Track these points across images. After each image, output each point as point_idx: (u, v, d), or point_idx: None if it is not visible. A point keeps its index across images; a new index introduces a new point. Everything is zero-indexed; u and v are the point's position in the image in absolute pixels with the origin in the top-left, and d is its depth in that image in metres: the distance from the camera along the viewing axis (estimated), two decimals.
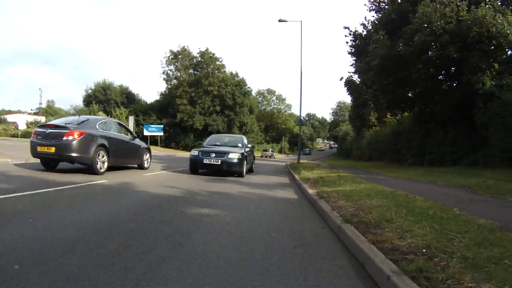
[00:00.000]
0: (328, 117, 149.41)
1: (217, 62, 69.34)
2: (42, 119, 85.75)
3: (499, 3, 19.66)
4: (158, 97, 78.76)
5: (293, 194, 10.03)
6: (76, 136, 10.44)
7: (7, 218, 4.85)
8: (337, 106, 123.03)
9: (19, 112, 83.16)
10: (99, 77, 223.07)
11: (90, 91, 76.80)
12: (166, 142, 65.97)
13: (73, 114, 67.34)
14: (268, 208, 7.30)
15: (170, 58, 70.16)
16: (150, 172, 13.67)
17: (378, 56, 21.68)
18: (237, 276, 3.17)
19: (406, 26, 20.52)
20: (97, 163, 10.88)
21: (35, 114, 79.76)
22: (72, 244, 3.75)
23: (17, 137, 53.77)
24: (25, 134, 59.63)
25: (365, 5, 28.46)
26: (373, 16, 28.30)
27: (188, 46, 70.90)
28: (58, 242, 3.80)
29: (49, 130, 10.83)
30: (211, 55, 68.71)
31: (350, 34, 28.91)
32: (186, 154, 42.84)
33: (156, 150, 47.58)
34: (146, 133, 60.77)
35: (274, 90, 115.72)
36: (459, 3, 19.29)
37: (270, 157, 63.00)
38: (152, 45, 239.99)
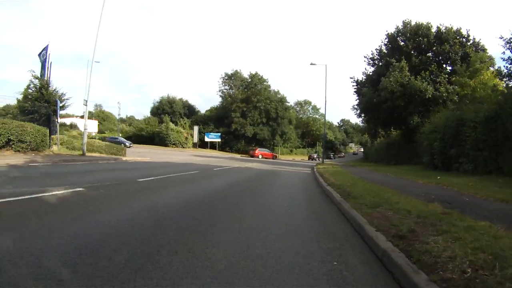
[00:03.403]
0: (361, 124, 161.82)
1: (264, 83, 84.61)
2: (95, 123, 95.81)
3: (428, 76, 35.57)
4: (207, 107, 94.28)
5: (309, 171, 26.22)
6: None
7: (197, 181, 18.16)
8: None
9: (71, 116, 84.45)
10: (136, 80, 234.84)
11: (156, 104, 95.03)
12: (222, 146, 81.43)
13: (146, 124, 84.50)
14: (300, 174, 23.92)
15: (225, 79, 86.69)
16: (251, 164, 30.45)
17: (363, 102, 38.34)
18: (292, 182, 19.65)
19: (380, 83, 36.73)
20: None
21: (81, 117, 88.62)
22: (231, 184, 14.95)
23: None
24: (103, 139, 69.72)
25: (364, 61, 44.68)
26: (371, 68, 44.35)
27: (240, 70, 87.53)
28: (225, 185, 16.54)
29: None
30: (259, 77, 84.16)
31: (354, 82, 44.90)
32: (243, 156, 60.23)
33: (218, 153, 64.85)
34: (206, 139, 77.67)
35: (310, 101, 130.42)
36: (407, 73, 35.27)
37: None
38: (190, 53, 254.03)
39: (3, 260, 3.22)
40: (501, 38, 22.34)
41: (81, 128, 77.98)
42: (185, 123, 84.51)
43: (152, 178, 12.45)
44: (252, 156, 63.33)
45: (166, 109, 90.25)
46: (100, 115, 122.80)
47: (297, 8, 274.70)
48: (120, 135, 78.32)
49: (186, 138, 77.35)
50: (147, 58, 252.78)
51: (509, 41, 22.09)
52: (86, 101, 25.87)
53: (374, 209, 6.62)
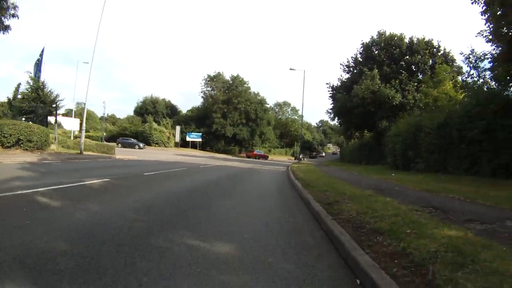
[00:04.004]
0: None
1: (244, 85, 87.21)
2: (77, 121, 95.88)
3: (397, 85, 38.71)
4: (188, 106, 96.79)
5: (284, 170, 28.95)
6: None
7: (190, 175, 23.66)
8: None
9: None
10: (118, 78, 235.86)
11: (140, 103, 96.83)
12: (203, 146, 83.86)
13: (130, 123, 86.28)
14: (276, 170, 26.90)
15: (207, 80, 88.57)
16: (232, 162, 32.99)
17: (337, 107, 41.43)
18: (269, 177, 22.42)
19: (353, 89, 39.85)
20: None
21: (64, 115, 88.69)
22: (219, 177, 22.99)
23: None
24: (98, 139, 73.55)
25: (340, 68, 47.84)
26: (346, 75, 47.46)
27: (223, 72, 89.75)
28: (215, 178, 23.02)
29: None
30: (240, 79, 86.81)
31: (329, 87, 48.07)
32: (222, 155, 62.84)
33: (199, 153, 67.25)
34: (188, 139, 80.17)
35: (289, 102, 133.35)
36: (378, 82, 38.38)
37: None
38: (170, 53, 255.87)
39: (103, 215, 5.90)
40: (461, 54, 25.05)
41: (65, 127, 78.38)
42: (168, 123, 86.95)
43: (154, 172, 15.22)
44: (249, 157, 69.04)
45: (149, 109, 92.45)
46: (82, 113, 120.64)
47: (279, 12, 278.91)
48: (105, 134, 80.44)
49: (169, 137, 79.94)
50: (129, 56, 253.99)
51: (467, 57, 24.91)
52: (85, 103, 28.13)
53: (322, 192, 9.54)
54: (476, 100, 18.15)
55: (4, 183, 8.57)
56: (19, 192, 7.38)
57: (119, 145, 60.03)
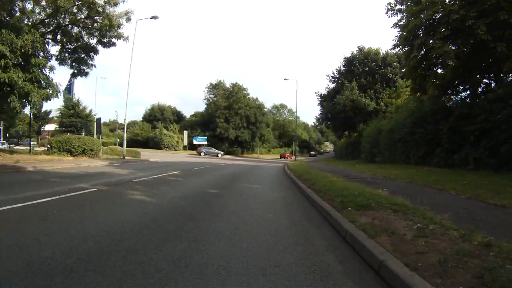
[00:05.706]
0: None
1: (244, 91, 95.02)
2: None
3: (373, 94, 47.11)
4: (187, 108, 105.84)
5: (281, 166, 36.89)
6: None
7: (220, 169, 32.11)
8: None
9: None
10: (115, 82, 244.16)
11: (148, 111, 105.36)
12: None
13: (141, 130, 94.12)
14: (275, 167, 34.81)
15: (209, 88, 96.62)
16: (241, 162, 41.15)
17: (324, 113, 49.98)
18: (273, 169, 30.75)
19: (336, 98, 48.29)
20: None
21: None
22: (239, 170, 31.44)
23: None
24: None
25: (326, 78, 56.35)
26: (331, 84, 55.79)
27: (223, 80, 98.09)
28: (238, 170, 31.45)
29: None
30: (239, 86, 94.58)
31: (318, 95, 56.54)
32: (228, 156, 71.06)
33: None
34: (195, 142, 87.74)
35: (286, 105, 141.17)
36: (356, 92, 46.75)
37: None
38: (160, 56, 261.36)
39: (206, 181, 14.40)
40: None
41: None
42: (175, 128, 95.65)
43: (197, 168, 23.58)
44: (281, 157, 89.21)
45: (157, 115, 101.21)
46: (123, 127, 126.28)
47: (276, 22, 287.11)
48: (118, 140, 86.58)
49: (177, 141, 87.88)
50: (123, 62, 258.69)
51: None
52: (125, 119, 35.84)
53: (300, 173, 17.85)
54: (406, 113, 26.68)
55: (130, 175, 15.70)
56: (153, 177, 15.04)
57: (202, 153, 69.91)
